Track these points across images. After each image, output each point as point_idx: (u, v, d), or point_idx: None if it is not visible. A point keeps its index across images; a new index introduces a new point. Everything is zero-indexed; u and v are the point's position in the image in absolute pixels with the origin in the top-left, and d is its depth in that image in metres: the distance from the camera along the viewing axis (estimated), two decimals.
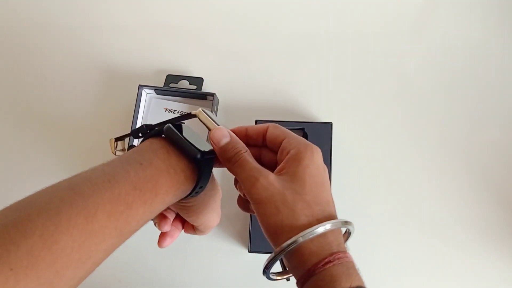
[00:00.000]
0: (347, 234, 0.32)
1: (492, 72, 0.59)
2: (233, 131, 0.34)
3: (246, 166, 0.31)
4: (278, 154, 0.32)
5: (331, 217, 0.29)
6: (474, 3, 0.62)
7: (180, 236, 0.57)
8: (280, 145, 0.32)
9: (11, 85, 0.64)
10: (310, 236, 0.28)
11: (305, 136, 0.56)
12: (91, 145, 0.60)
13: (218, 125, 0.33)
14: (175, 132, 0.31)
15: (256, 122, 0.57)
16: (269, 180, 0.30)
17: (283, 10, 0.64)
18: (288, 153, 0.31)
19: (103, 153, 0.54)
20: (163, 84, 0.60)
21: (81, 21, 0.66)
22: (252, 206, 0.31)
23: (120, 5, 0.66)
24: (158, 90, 0.59)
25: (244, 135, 0.34)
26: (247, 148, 0.32)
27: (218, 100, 0.60)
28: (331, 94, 0.60)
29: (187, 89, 0.60)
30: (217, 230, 0.56)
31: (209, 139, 0.33)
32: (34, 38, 0.66)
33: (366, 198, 0.56)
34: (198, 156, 0.30)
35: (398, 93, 0.59)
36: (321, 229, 0.28)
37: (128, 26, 0.65)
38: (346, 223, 0.30)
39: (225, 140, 0.32)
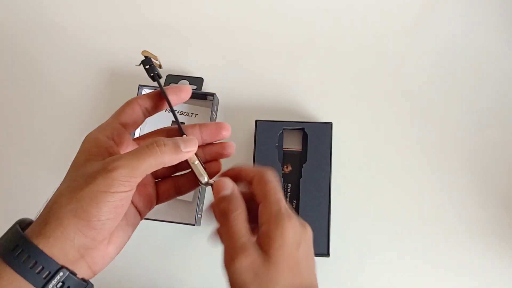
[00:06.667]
0: None
1: (493, 72, 0.59)
2: (227, 174, 0.34)
3: (233, 231, 0.31)
4: (258, 216, 0.32)
5: None
6: (474, 3, 0.62)
7: (180, 236, 0.57)
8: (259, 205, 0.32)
9: (10, 85, 0.64)
10: None
11: (305, 136, 0.56)
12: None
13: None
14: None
15: (256, 122, 0.57)
16: (249, 261, 0.29)
17: (283, 10, 0.64)
18: (262, 224, 0.31)
19: None
20: (163, 84, 0.60)
21: (81, 21, 0.66)
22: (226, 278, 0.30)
23: (120, 5, 0.66)
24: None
25: (235, 176, 0.34)
26: (244, 209, 0.32)
27: (218, 100, 0.60)
28: (331, 94, 0.60)
29: None
30: None
31: (212, 186, 0.33)
32: (33, 37, 0.66)
33: (366, 198, 0.56)
34: None
35: (398, 93, 0.59)
36: None
37: (128, 26, 0.65)
38: None
39: (226, 192, 0.32)
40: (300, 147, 0.57)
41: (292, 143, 0.57)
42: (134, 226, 0.35)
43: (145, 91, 0.60)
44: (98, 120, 0.61)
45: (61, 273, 0.29)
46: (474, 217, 0.54)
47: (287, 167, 0.56)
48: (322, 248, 0.52)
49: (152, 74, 0.35)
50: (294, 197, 0.55)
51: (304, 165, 0.54)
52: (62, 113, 0.62)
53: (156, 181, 0.37)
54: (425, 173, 0.56)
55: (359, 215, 0.55)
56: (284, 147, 0.57)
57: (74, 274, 0.30)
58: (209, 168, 0.36)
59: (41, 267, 0.28)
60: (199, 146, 0.35)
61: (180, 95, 0.36)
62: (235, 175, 0.34)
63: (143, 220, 0.54)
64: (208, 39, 0.64)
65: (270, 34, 0.63)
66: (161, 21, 0.65)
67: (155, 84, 0.61)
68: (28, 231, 0.29)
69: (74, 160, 0.32)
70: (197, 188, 0.56)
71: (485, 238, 0.54)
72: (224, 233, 0.31)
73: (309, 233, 0.32)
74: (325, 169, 0.54)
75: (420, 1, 0.63)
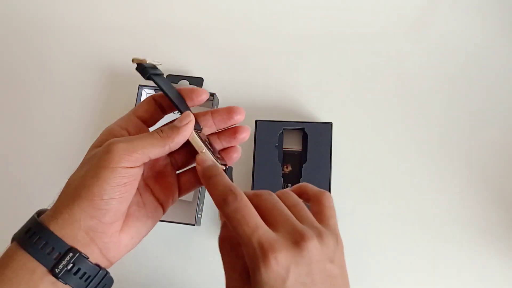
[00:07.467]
0: None
1: (492, 72, 0.59)
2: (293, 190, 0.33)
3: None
4: None
5: None
6: (474, 3, 0.62)
7: (180, 236, 0.57)
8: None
9: (10, 84, 0.64)
10: None
11: (305, 136, 0.56)
12: (91, 145, 0.60)
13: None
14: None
15: (256, 122, 0.57)
16: None
17: (283, 10, 0.64)
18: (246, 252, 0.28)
19: None
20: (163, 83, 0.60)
21: (81, 21, 0.66)
22: None
23: (120, 5, 0.66)
24: (158, 90, 0.59)
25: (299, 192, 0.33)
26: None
27: (218, 100, 0.60)
28: (331, 94, 0.60)
29: None
30: (217, 230, 0.56)
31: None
32: (33, 37, 0.66)
33: (366, 198, 0.56)
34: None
35: (398, 93, 0.59)
36: None
37: (128, 26, 0.65)
38: None
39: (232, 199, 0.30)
40: (300, 147, 0.57)
41: (292, 143, 0.57)
42: (155, 219, 0.35)
43: (145, 91, 0.60)
44: (98, 120, 0.61)
45: (70, 254, 0.29)
46: (474, 216, 0.54)
47: (287, 167, 0.56)
48: None
49: (147, 76, 0.34)
50: None
51: (304, 165, 0.54)
52: (62, 113, 0.62)
53: (177, 173, 0.37)
54: (424, 172, 0.56)
55: (359, 215, 0.55)
56: (284, 147, 0.57)
57: (86, 257, 0.30)
58: (227, 154, 0.36)
59: (51, 247, 0.29)
60: (213, 133, 0.36)
61: (192, 97, 0.35)
62: (299, 191, 0.33)
63: None
64: (208, 39, 0.64)
65: (270, 34, 0.63)
66: (161, 21, 0.65)
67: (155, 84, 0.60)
68: (42, 217, 0.30)
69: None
70: (197, 188, 0.56)
71: (485, 237, 0.54)
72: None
73: (310, 250, 0.27)
74: (325, 169, 0.54)
75: (420, 1, 0.63)
